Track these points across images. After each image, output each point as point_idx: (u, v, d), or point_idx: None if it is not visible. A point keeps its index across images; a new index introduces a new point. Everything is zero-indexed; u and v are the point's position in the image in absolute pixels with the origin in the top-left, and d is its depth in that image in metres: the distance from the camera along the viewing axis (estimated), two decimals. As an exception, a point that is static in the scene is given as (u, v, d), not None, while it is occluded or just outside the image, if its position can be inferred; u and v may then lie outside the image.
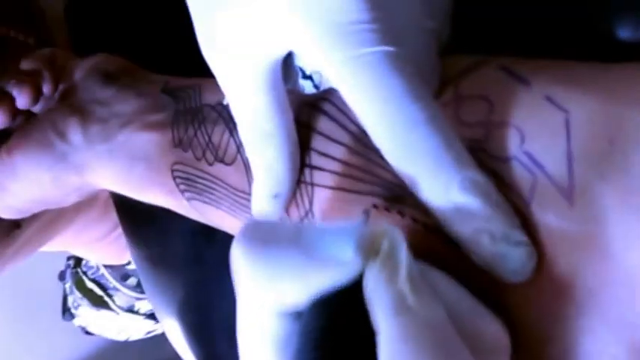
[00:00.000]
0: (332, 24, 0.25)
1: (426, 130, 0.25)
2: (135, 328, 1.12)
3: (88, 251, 0.84)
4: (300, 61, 0.32)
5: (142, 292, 1.04)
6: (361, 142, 0.30)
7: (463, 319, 0.22)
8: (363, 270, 0.22)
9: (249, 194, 0.34)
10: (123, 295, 1.08)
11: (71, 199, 0.43)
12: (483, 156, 0.27)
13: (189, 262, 0.46)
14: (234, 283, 0.24)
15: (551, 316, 0.25)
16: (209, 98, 0.37)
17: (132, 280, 1.07)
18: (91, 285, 1.08)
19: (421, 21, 0.28)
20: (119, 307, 1.09)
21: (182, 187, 0.37)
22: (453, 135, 0.25)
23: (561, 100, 0.25)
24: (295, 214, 0.32)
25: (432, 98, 0.25)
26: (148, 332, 1.12)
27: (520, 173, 0.26)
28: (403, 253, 0.22)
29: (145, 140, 0.37)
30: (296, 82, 0.32)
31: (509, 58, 0.29)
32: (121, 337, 1.14)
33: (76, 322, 1.13)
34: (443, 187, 0.25)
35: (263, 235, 0.24)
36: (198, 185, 0.36)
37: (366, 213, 0.24)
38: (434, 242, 0.27)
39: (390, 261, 0.22)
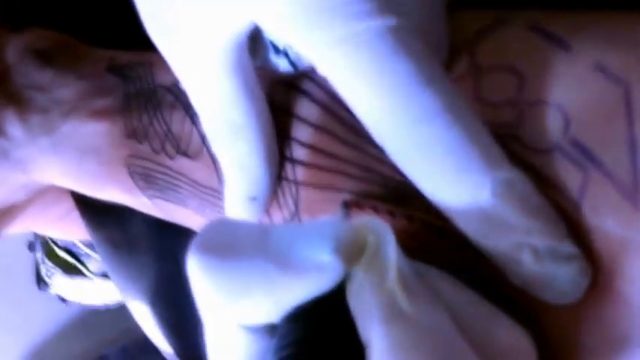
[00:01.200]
0: None
1: (444, 121, 0.19)
2: (111, 293, 1.09)
3: (51, 230, 0.78)
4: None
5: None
6: (353, 129, 0.24)
7: (472, 324, 0.19)
8: (345, 274, 0.19)
9: (220, 192, 0.28)
10: (95, 262, 1.04)
11: (19, 197, 0.37)
12: (516, 146, 0.21)
13: (159, 257, 0.41)
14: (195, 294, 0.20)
15: (604, 339, 0.20)
16: (163, 78, 0.31)
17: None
18: (62, 253, 1.04)
19: None
20: (93, 273, 1.05)
21: (141, 183, 0.31)
22: (478, 124, 0.20)
23: (616, 69, 0.20)
24: (278, 216, 0.26)
25: (448, 78, 0.19)
26: (127, 295, 1.08)
27: (566, 168, 0.20)
28: (392, 251, 0.19)
29: (93, 131, 0.31)
30: (266, 58, 0.25)
31: (537, 12, 0.23)
32: (99, 303, 1.10)
33: (52, 291, 1.09)
34: (470, 193, 0.19)
35: (223, 242, 0.19)
36: (159, 182, 0.30)
37: (346, 206, 0.21)
38: (452, 250, 0.22)
39: (377, 260, 0.19)
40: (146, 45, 0.31)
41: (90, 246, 1.02)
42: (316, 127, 0.25)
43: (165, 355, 0.48)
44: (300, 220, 0.25)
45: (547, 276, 0.19)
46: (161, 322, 0.45)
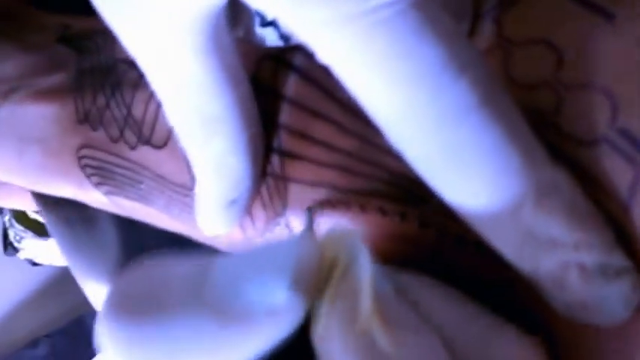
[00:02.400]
0: None
1: (480, 119, 0.15)
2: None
3: (15, 204, 0.74)
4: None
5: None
6: (355, 115, 0.20)
7: (468, 342, 0.17)
8: (308, 309, 0.15)
9: (192, 189, 0.24)
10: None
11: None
12: (554, 136, 0.18)
13: (121, 233, 0.37)
14: None
15: None
16: (125, 50, 0.26)
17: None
18: (34, 215, 1.00)
19: None
20: (67, 233, 1.02)
21: (95, 179, 0.26)
22: (519, 119, 0.16)
23: None
24: (261, 217, 0.23)
25: (483, 61, 0.16)
26: (102, 255, 1.06)
27: (613, 162, 0.17)
28: (365, 269, 0.15)
29: (37, 115, 0.27)
30: (250, 30, 0.21)
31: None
32: (74, 263, 1.07)
33: (22, 255, 1.05)
34: (507, 205, 0.16)
35: (147, 293, 0.16)
36: (116, 177, 0.26)
37: (310, 211, 0.18)
38: (475, 261, 0.19)
39: (347, 285, 0.15)
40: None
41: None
42: (310, 111, 0.21)
43: None
44: (289, 226, 0.22)
45: (596, 296, 0.16)
46: None
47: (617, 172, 0.17)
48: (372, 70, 0.15)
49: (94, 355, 1.12)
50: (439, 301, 0.17)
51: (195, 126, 0.20)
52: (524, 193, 0.16)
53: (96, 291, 0.43)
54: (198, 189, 0.22)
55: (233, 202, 0.21)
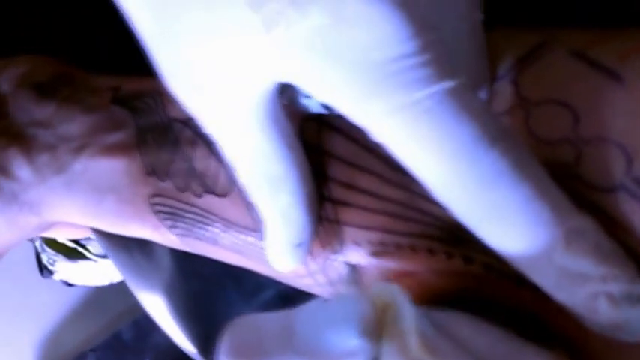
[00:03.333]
0: (366, 66, 0.17)
1: (511, 181, 0.18)
2: (116, 271, 1.08)
3: (59, 234, 0.77)
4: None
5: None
6: (397, 170, 0.23)
7: None
8: (375, 353, 0.19)
9: (256, 230, 0.27)
10: (96, 243, 1.03)
11: (31, 236, 0.36)
12: (577, 185, 0.20)
13: (184, 277, 0.40)
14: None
15: None
16: (176, 111, 0.29)
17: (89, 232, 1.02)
18: (62, 239, 1.03)
19: (469, 16, 0.20)
20: (95, 254, 1.04)
21: (168, 223, 0.30)
22: (544, 176, 0.19)
23: None
24: (321, 255, 0.26)
25: (510, 131, 0.19)
26: (131, 271, 1.09)
27: (631, 207, 0.20)
28: (409, 315, 0.19)
29: (109, 169, 0.30)
30: (294, 100, 0.24)
31: (576, 32, 0.22)
32: (105, 282, 1.10)
33: (56, 277, 1.08)
34: (543, 249, 0.19)
35: (250, 343, 0.19)
36: (186, 220, 0.29)
37: (353, 270, 0.21)
38: (517, 292, 0.22)
39: (397, 329, 0.19)
40: (143, 68, 0.29)
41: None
42: (355, 166, 0.24)
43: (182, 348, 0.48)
44: (346, 259, 0.25)
45: (623, 319, 0.19)
46: (176, 314, 0.44)
47: (635, 214, 0.20)
48: (418, 148, 0.18)
49: (135, 363, 1.14)
50: (470, 330, 0.20)
51: (263, 185, 0.23)
52: (555, 239, 0.18)
53: (150, 301, 0.45)
54: (268, 235, 0.25)
55: (299, 245, 0.24)
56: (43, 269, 1.10)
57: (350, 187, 0.24)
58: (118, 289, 1.14)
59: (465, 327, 0.20)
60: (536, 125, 0.21)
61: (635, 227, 0.20)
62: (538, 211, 0.18)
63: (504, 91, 0.22)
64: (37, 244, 1.07)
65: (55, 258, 1.07)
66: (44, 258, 1.09)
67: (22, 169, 0.31)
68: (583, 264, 0.19)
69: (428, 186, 0.19)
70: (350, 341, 0.18)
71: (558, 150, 0.21)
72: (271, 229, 0.24)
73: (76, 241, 1.05)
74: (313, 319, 0.19)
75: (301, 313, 0.19)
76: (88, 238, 1.05)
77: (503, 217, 0.18)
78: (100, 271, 1.09)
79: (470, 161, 0.18)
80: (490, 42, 0.22)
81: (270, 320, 0.19)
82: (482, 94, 0.22)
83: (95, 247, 1.06)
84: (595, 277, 0.19)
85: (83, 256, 1.06)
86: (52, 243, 1.05)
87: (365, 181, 0.24)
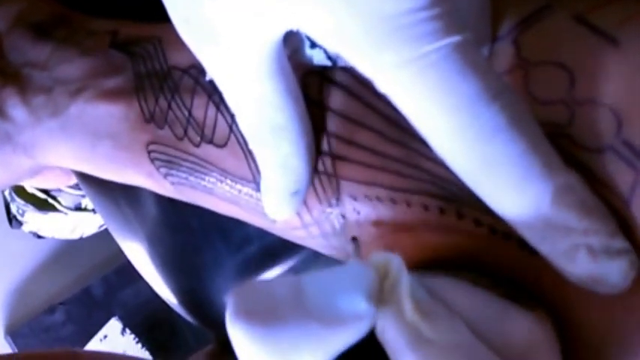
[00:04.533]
0: (379, 17, 0.18)
1: (508, 136, 0.19)
2: (86, 224, 1.08)
3: (29, 182, 0.76)
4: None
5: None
6: (398, 126, 0.24)
7: (487, 327, 0.20)
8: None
9: (252, 182, 0.28)
10: (67, 195, 1.03)
11: (22, 179, 0.36)
12: (568, 144, 0.21)
13: (170, 228, 0.40)
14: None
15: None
16: (177, 58, 0.29)
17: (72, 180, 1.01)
18: (32, 190, 1.02)
19: None
20: (66, 207, 1.04)
21: (163, 170, 0.30)
22: (539, 133, 0.20)
23: None
24: (317, 209, 0.26)
25: (510, 88, 0.20)
26: (101, 226, 1.08)
27: (617, 167, 0.21)
28: (405, 283, 0.20)
29: (106, 114, 0.30)
30: (300, 50, 0.25)
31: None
32: (75, 235, 1.10)
33: (26, 228, 1.08)
34: (532, 202, 0.20)
35: (262, 306, 0.20)
36: (183, 169, 0.30)
37: (355, 242, 0.22)
38: (504, 248, 0.23)
39: (395, 295, 0.20)
40: (151, 14, 0.30)
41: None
42: (355, 122, 0.25)
43: (162, 297, 0.48)
44: (344, 217, 0.25)
45: (601, 271, 0.20)
46: (160, 264, 0.44)
47: (621, 174, 0.21)
48: (423, 101, 0.19)
49: (104, 319, 1.16)
50: (460, 294, 0.21)
51: (265, 133, 0.24)
52: (544, 193, 0.20)
53: (133, 251, 0.45)
54: (265, 183, 0.26)
55: (295, 193, 0.25)
56: (12, 220, 1.09)
57: (349, 142, 0.25)
58: (89, 244, 1.14)
59: (454, 291, 0.21)
60: (534, 85, 0.22)
61: (619, 187, 0.21)
62: (530, 166, 0.19)
63: (505, 51, 0.23)
64: (7, 193, 1.06)
65: (25, 209, 1.06)
66: (13, 208, 1.08)
67: (16, 109, 0.31)
68: (567, 217, 0.20)
69: (428, 137, 0.20)
70: (359, 306, 0.19)
71: (553, 110, 0.22)
72: (269, 177, 0.25)
73: (46, 192, 1.04)
74: (323, 286, 0.20)
75: (311, 279, 0.20)
76: (59, 190, 1.04)
77: (497, 169, 0.19)
78: (70, 224, 1.08)
79: (471, 114, 0.19)
80: (493, 2, 0.23)
81: (279, 285, 0.20)
82: (484, 53, 0.23)
83: (66, 199, 1.05)
84: (578, 230, 0.20)
85: (54, 208, 1.05)
86: (22, 193, 1.03)
87: (364, 137, 0.25)
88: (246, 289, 0.20)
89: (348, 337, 0.19)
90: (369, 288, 0.20)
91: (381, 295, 0.20)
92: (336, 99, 0.25)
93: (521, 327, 0.21)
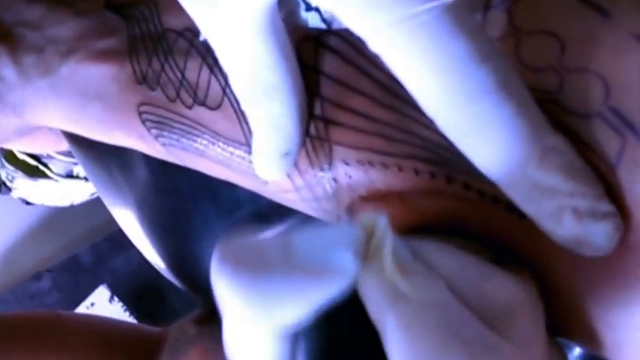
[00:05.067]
0: None
1: (497, 97, 0.20)
2: (77, 192, 1.08)
3: (18, 146, 0.76)
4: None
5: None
6: (390, 92, 0.24)
7: (469, 289, 0.21)
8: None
9: (245, 144, 0.28)
10: (58, 162, 1.02)
11: (9, 140, 0.36)
12: (556, 110, 0.22)
13: (160, 191, 0.41)
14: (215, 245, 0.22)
15: (626, 291, 0.22)
16: (171, 21, 0.29)
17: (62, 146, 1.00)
18: (22, 156, 1.02)
19: None
20: (57, 174, 1.04)
21: (154, 131, 0.30)
22: (527, 96, 0.20)
23: None
24: (309, 171, 0.27)
25: (500, 51, 0.20)
26: (92, 194, 1.08)
27: (604, 133, 0.21)
28: (388, 242, 0.20)
29: (98, 74, 0.30)
30: (295, 13, 0.25)
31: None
32: (65, 203, 1.10)
33: (15, 194, 1.07)
34: (519, 163, 0.20)
35: (250, 258, 0.21)
36: (175, 131, 0.30)
37: (351, 209, 0.22)
38: (491, 211, 0.23)
39: (378, 253, 0.20)
40: None
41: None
42: (349, 86, 0.25)
43: (151, 263, 0.48)
44: (336, 182, 0.26)
45: (586, 233, 0.21)
46: (149, 229, 0.44)
47: (608, 140, 0.21)
48: (413, 61, 0.19)
49: (92, 287, 1.16)
50: (444, 257, 0.22)
51: (257, 92, 0.24)
52: (531, 154, 0.20)
53: (123, 216, 0.46)
54: (256, 143, 0.26)
55: (286, 154, 0.26)
56: (1, 185, 1.09)
57: (342, 106, 0.25)
58: (78, 212, 1.14)
59: (438, 253, 0.22)
60: (525, 53, 0.22)
61: (606, 153, 0.21)
62: (518, 127, 0.20)
63: (497, 19, 0.23)
64: (-3, 159, 1.05)
65: (15, 175, 1.05)
66: (3, 174, 1.07)
67: (7, 68, 0.31)
68: (553, 179, 0.20)
69: (418, 98, 0.20)
70: (344, 261, 0.20)
71: (543, 77, 0.22)
72: (260, 137, 0.25)
73: (37, 159, 1.03)
74: (312, 241, 0.20)
75: (301, 235, 0.21)
76: (50, 157, 1.04)
77: (485, 130, 0.20)
78: (61, 191, 1.08)
79: (461, 75, 0.19)
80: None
81: (268, 240, 0.21)
82: (477, 19, 0.23)
83: (57, 166, 1.05)
84: (563, 191, 0.20)
85: (44, 175, 1.05)
86: (12, 159, 1.03)
87: (357, 102, 0.25)
88: (234, 242, 0.21)
89: (331, 289, 0.20)
90: (355, 245, 0.20)
91: (367, 252, 0.21)
92: (329, 64, 0.26)
93: (504, 289, 0.22)
